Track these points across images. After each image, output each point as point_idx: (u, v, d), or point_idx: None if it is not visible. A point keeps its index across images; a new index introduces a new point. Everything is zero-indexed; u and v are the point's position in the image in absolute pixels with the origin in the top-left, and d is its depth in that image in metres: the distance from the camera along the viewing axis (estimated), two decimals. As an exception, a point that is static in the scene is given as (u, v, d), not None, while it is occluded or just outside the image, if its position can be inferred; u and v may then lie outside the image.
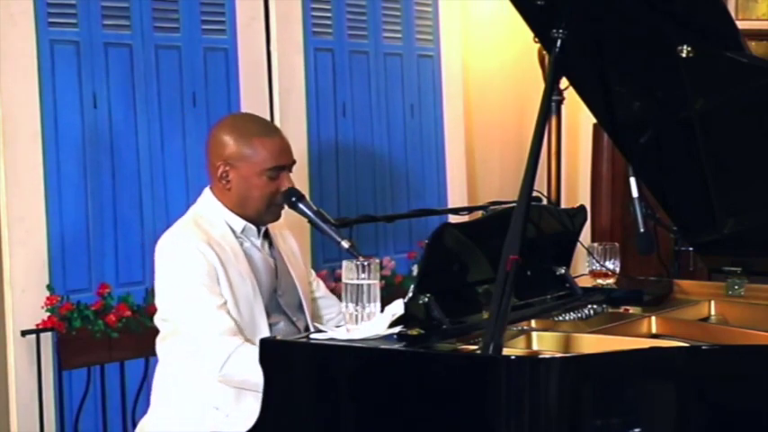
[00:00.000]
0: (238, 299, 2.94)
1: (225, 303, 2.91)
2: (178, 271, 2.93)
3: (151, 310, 3.89)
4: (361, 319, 2.64)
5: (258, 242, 3.07)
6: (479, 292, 2.87)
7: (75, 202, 3.85)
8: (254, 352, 2.72)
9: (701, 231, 3.37)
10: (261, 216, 3.04)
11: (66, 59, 3.83)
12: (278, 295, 3.07)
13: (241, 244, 3.02)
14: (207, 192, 3.07)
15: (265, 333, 2.98)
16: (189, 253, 2.92)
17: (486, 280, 2.81)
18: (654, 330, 3.02)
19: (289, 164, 3.04)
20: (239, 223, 3.03)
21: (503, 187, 5.24)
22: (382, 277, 3.00)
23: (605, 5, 2.99)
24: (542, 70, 5.04)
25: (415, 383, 2.48)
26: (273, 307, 3.05)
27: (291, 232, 3.27)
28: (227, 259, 2.95)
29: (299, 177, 4.24)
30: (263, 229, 3.09)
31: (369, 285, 2.65)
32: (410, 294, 2.64)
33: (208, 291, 2.90)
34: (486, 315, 2.69)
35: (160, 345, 3.06)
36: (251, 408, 2.72)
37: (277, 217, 3.08)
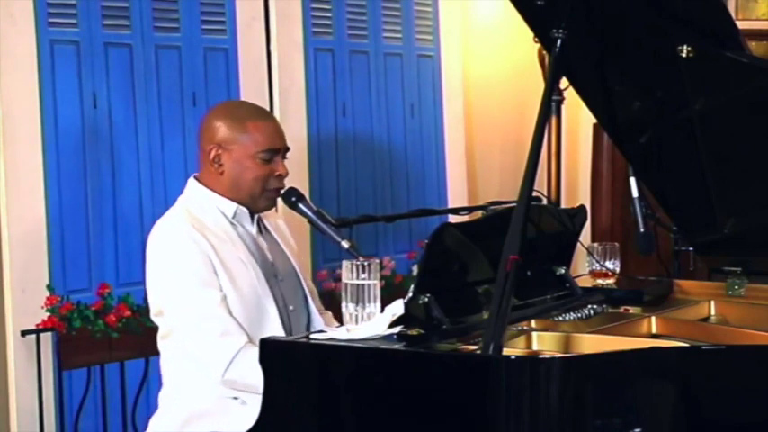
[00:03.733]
0: (241, 286, 2.90)
1: (224, 298, 2.86)
2: (171, 265, 2.88)
3: (151, 310, 3.91)
4: (361, 319, 2.64)
5: (252, 228, 3.03)
6: (479, 292, 2.86)
7: (75, 202, 3.85)
8: (257, 354, 2.65)
9: (701, 231, 3.37)
10: (255, 201, 2.99)
11: (66, 59, 3.84)
12: (279, 280, 3.04)
13: (235, 229, 2.98)
14: (192, 181, 3.03)
15: (275, 319, 2.94)
16: (182, 244, 2.86)
17: (486, 280, 2.81)
18: (654, 330, 3.02)
19: (282, 148, 3.01)
20: (230, 207, 2.98)
21: (503, 187, 5.24)
22: (382, 277, 2.99)
23: (605, 5, 2.99)
24: (542, 70, 5.04)
25: (415, 383, 2.48)
26: (276, 294, 3.01)
27: (288, 226, 3.24)
28: (223, 246, 2.91)
29: (299, 177, 4.25)
30: (256, 215, 3.05)
31: (369, 285, 2.64)
32: (410, 294, 2.63)
33: (204, 288, 2.84)
34: (486, 315, 2.69)
35: (162, 342, 3.00)
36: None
37: (272, 203, 3.04)
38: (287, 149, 3.04)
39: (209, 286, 2.86)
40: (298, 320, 3.05)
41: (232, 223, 2.99)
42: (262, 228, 3.10)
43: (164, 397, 3.02)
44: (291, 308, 3.05)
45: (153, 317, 3.00)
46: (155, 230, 2.95)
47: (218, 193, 2.99)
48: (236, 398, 2.87)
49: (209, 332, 2.83)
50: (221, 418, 2.88)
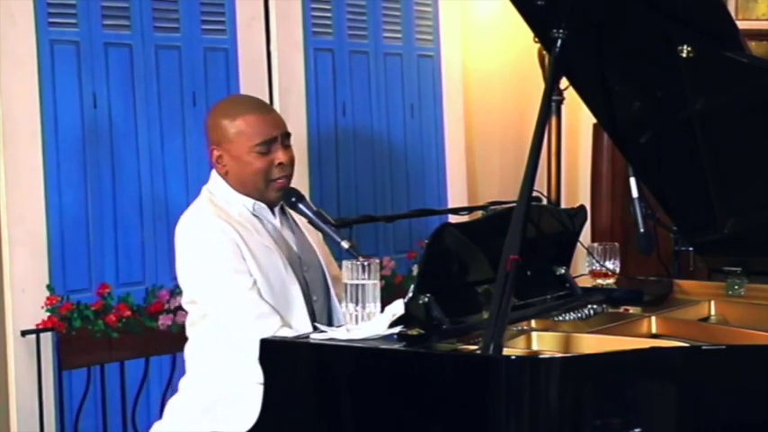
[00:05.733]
0: (267, 272, 2.92)
1: (255, 283, 2.89)
2: (202, 252, 2.92)
3: (151, 311, 3.92)
4: (361, 319, 2.64)
5: (275, 220, 3.06)
6: (479, 292, 2.86)
7: (75, 202, 3.85)
8: (292, 335, 2.70)
9: (701, 231, 3.37)
10: (263, 194, 3.02)
11: (66, 59, 3.84)
12: (304, 271, 3.05)
13: (259, 220, 3.01)
14: (214, 173, 3.07)
15: (301, 304, 2.96)
16: (210, 232, 2.91)
17: (486, 280, 2.81)
18: (654, 330, 3.02)
19: (279, 135, 3.01)
20: (249, 202, 3.02)
21: (503, 187, 5.24)
22: (382, 277, 2.99)
23: (605, 5, 2.99)
24: (542, 70, 5.04)
25: (415, 383, 2.48)
26: (302, 282, 3.02)
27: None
28: (249, 234, 2.94)
29: (299, 177, 4.24)
30: (277, 207, 3.07)
31: (369, 285, 2.65)
32: (410, 294, 2.63)
33: (235, 273, 2.88)
34: (486, 315, 2.69)
35: (190, 329, 3.02)
36: None
37: (282, 194, 3.03)
38: (287, 135, 3.04)
39: (239, 272, 2.89)
40: (320, 312, 3.07)
41: (254, 215, 3.02)
42: (288, 219, 3.11)
43: (186, 383, 3.03)
44: (315, 298, 3.07)
45: (184, 304, 3.04)
46: (182, 222, 2.99)
47: (235, 189, 3.03)
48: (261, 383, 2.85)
49: (245, 315, 2.86)
50: (242, 404, 2.86)
